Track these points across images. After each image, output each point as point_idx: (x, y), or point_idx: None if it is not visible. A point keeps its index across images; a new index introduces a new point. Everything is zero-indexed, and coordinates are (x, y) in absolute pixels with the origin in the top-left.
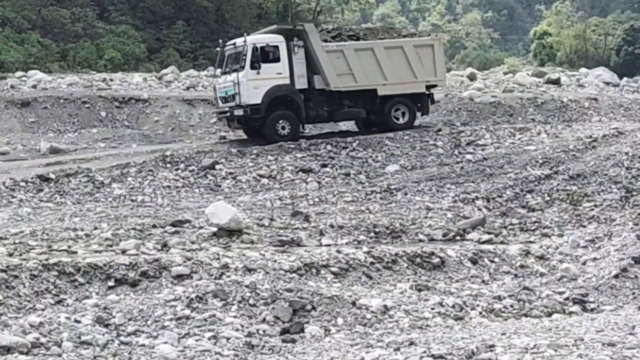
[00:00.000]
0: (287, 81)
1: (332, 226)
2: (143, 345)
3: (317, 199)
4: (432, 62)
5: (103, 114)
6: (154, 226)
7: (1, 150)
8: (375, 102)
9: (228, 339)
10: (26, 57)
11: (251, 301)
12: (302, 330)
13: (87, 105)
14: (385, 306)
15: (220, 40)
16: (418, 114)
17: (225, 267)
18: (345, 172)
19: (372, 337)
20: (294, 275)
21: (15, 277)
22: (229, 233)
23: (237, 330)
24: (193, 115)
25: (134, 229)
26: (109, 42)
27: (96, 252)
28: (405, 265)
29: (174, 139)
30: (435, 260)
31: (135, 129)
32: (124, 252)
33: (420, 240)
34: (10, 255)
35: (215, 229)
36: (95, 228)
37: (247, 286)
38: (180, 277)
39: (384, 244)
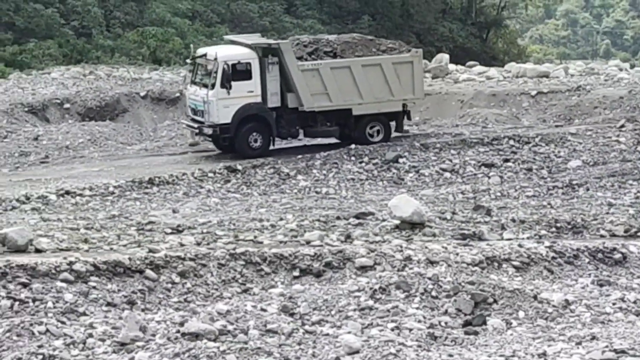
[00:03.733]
0: (259, 99)
1: (513, 220)
2: (327, 334)
3: (499, 193)
4: (410, 78)
5: None
6: (338, 218)
7: (191, 141)
8: (349, 121)
9: (410, 330)
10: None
11: (433, 293)
12: (485, 323)
13: None
14: (566, 300)
15: (192, 45)
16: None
17: (407, 260)
18: (527, 167)
19: (553, 330)
20: (475, 268)
21: (204, 265)
22: (411, 226)
23: (419, 321)
24: None
25: (318, 220)
26: (294, 35)
27: (281, 242)
28: (587, 260)
29: None
30: (617, 256)
31: None
32: (308, 242)
33: (602, 236)
34: (198, 244)
35: (398, 222)
36: (281, 219)
37: (429, 278)
38: (363, 269)
39: (565, 239)
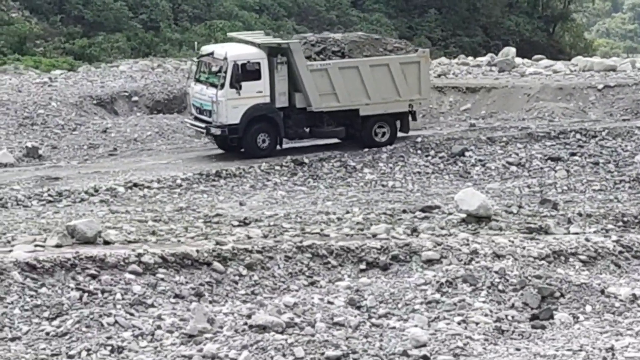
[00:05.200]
0: (268, 100)
1: (580, 214)
2: (394, 327)
3: (565, 187)
4: (417, 79)
5: None
6: (404, 211)
7: None
8: (356, 121)
9: (477, 323)
10: None
11: (500, 287)
12: (552, 317)
13: None
14: (634, 295)
15: (196, 43)
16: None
17: (474, 253)
18: (594, 161)
19: (621, 325)
20: (542, 262)
21: (271, 258)
22: (477, 219)
23: (486, 315)
24: (443, 102)
25: (384, 213)
26: (362, 30)
27: (348, 235)
28: None
29: (424, 126)
30: None
31: None
32: (374, 236)
33: None
34: (265, 237)
35: (464, 215)
36: (347, 212)
37: (496, 272)
38: (430, 262)
39: (632, 233)
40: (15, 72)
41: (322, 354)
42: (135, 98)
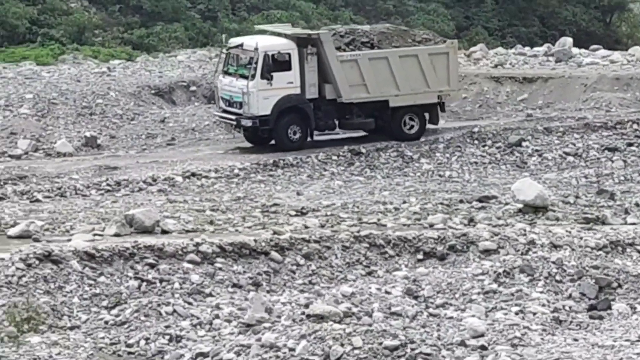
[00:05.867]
0: (298, 91)
1: (637, 205)
2: (451, 317)
3: (622, 178)
4: (446, 70)
5: None
6: (461, 201)
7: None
8: (385, 112)
9: (535, 313)
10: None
11: (557, 277)
12: (609, 307)
13: None
14: None
15: (224, 36)
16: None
17: (531, 243)
18: None
19: None
20: (599, 252)
21: (328, 248)
22: (534, 209)
23: (543, 305)
24: (500, 92)
25: (441, 203)
26: (419, 19)
27: (405, 225)
28: None
29: (481, 116)
30: None
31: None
32: (431, 226)
33: None
34: (322, 226)
35: (521, 205)
36: (404, 202)
37: (553, 262)
38: (487, 252)
39: None
40: (74, 62)
41: (380, 343)
42: (193, 88)
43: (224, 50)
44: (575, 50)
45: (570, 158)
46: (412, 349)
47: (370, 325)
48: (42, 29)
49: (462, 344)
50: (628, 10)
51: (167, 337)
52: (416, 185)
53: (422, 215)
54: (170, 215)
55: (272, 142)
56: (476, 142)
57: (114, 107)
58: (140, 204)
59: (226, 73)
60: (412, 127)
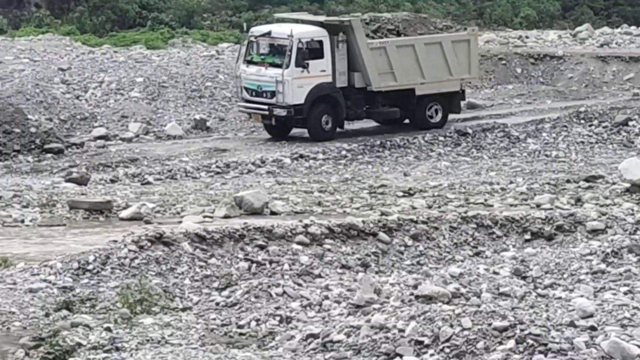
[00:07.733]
0: (330, 79)
1: None
2: (559, 298)
3: None
4: (467, 57)
5: (518, 70)
6: (568, 181)
7: None
8: (411, 101)
9: None
10: (444, 14)
11: None
12: None
13: (504, 62)
14: None
15: (245, 24)
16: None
17: (639, 223)
18: None
19: None
20: None
21: (436, 228)
22: None
23: None
24: (607, 72)
25: (548, 183)
26: None
27: (512, 205)
28: None
29: (587, 96)
30: None
31: (549, 85)
32: (538, 206)
33: None
34: (429, 207)
35: (628, 185)
36: (511, 182)
37: None
38: (595, 232)
39: None
40: (183, 45)
41: (489, 324)
42: None
43: (250, 39)
44: None
45: None
46: (522, 330)
47: (478, 306)
48: (152, 13)
49: (572, 324)
50: None
51: (278, 318)
52: (523, 165)
53: (529, 196)
54: (279, 197)
55: (290, 133)
56: (582, 121)
57: (222, 90)
58: (249, 185)
59: (250, 62)
60: (436, 115)
